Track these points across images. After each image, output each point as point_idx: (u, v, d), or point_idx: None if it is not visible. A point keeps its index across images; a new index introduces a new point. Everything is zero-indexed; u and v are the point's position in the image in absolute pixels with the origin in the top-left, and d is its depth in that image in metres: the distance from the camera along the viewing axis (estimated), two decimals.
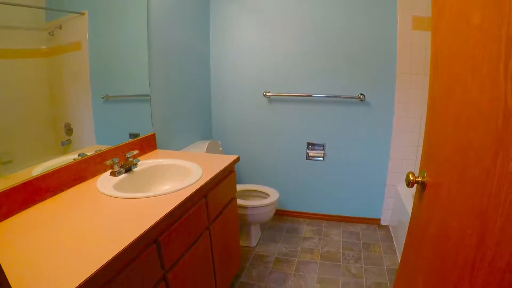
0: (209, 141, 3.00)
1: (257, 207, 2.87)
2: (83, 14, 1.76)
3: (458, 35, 0.96)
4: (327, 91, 3.27)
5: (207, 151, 2.86)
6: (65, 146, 1.70)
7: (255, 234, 3.15)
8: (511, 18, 0.66)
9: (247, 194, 3.28)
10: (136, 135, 2.24)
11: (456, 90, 0.97)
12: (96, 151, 1.85)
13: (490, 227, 0.72)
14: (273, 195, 3.05)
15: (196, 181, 1.75)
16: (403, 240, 2.40)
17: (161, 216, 1.35)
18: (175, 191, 1.63)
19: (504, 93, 0.68)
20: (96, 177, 1.82)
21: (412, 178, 1.24)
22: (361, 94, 3.19)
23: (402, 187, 3.24)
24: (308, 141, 3.48)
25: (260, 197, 3.20)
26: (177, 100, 2.82)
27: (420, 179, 1.24)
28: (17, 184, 1.38)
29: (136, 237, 1.18)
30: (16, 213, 1.36)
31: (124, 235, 1.19)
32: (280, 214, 3.73)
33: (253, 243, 3.12)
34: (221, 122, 3.64)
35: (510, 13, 0.66)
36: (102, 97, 1.97)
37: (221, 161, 2.13)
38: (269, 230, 3.41)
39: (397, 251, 2.99)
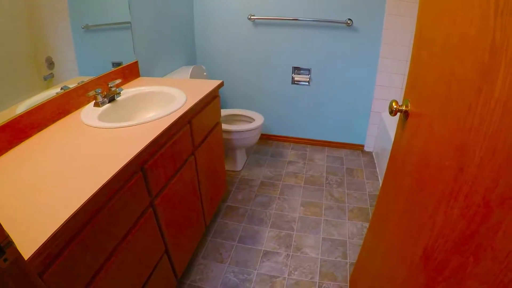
0: (193, 66, 2.92)
1: (242, 131, 2.90)
2: None
3: None
4: (314, 15, 3.14)
5: (191, 76, 2.80)
6: (48, 80, 1.64)
7: (241, 158, 3.20)
8: None
9: (232, 118, 3.28)
10: (119, 64, 2.17)
11: (444, 20, 0.94)
12: (78, 83, 1.80)
13: (469, 162, 0.74)
14: (258, 120, 3.06)
15: (180, 107, 1.74)
16: (385, 166, 2.48)
17: (146, 144, 1.36)
18: (159, 118, 1.62)
19: (493, 28, 0.66)
20: (80, 109, 1.78)
21: (395, 106, 1.25)
22: (349, 19, 3.08)
23: (386, 115, 3.28)
24: (293, 66, 3.41)
25: (245, 121, 3.21)
26: (159, 25, 2.69)
27: (404, 108, 1.24)
28: (2, 124, 1.35)
29: (123, 165, 1.19)
30: (3, 153, 1.35)
31: (111, 164, 1.20)
32: (265, 138, 3.78)
33: (239, 167, 3.19)
34: (206, 47, 3.52)
35: None
36: (82, 27, 1.86)
37: (205, 86, 2.09)
38: (254, 154, 3.47)
39: (379, 177, 3.10)
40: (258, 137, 3.08)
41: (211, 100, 2.12)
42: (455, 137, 0.81)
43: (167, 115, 1.65)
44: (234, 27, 3.36)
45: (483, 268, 0.68)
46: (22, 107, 1.48)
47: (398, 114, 1.28)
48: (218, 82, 2.19)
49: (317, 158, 3.43)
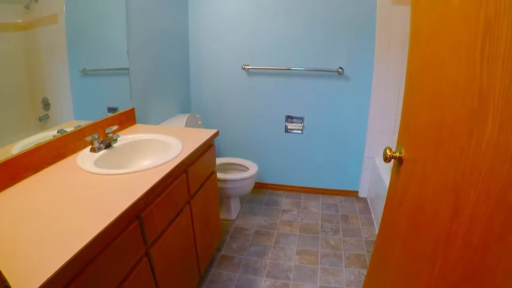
0: (188, 114, 2.98)
1: (236, 180, 2.90)
2: None
3: (438, 14, 0.97)
4: (306, 64, 3.26)
5: (187, 125, 2.84)
6: (43, 121, 1.66)
7: (235, 207, 3.19)
8: (489, 4, 0.67)
9: (227, 167, 3.29)
10: (115, 109, 2.21)
11: (433, 67, 0.99)
12: (75, 127, 1.82)
13: (463, 203, 0.75)
14: (253, 168, 3.07)
15: (177, 156, 1.76)
16: (381, 212, 2.46)
17: (142, 193, 1.36)
18: (156, 166, 1.62)
19: (480, 75, 0.70)
20: (76, 153, 1.79)
21: (389, 153, 1.27)
22: (340, 67, 3.20)
23: (380, 160, 3.31)
24: (287, 114, 3.49)
25: (240, 170, 3.23)
26: (155, 73, 2.77)
27: (397, 154, 1.27)
28: None
29: (119, 214, 1.19)
30: None
31: (107, 212, 1.19)
32: (259, 186, 3.78)
33: (233, 216, 3.16)
34: (200, 95, 3.60)
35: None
36: (80, 71, 1.92)
37: (201, 136, 2.12)
38: (249, 203, 3.45)
39: (374, 222, 3.08)
40: (252, 185, 3.08)
41: (207, 149, 2.15)
42: (449, 180, 0.83)
43: (164, 163, 1.66)
44: (229, 77, 3.46)
45: None
46: (17, 147, 1.49)
47: (392, 160, 1.31)
48: (213, 131, 2.23)
49: (312, 205, 3.42)
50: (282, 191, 3.73)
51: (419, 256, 1.01)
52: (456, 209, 0.79)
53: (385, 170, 3.05)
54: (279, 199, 3.54)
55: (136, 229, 1.35)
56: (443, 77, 0.91)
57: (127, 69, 2.31)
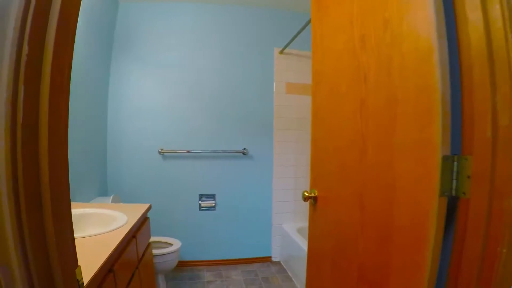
0: (113, 195, 3.13)
1: (164, 254, 3.05)
2: None
3: (332, 98, 1.49)
4: (215, 147, 3.75)
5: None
6: None
7: (163, 285, 3.28)
8: (362, 90, 1.17)
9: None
10: None
11: (334, 131, 1.48)
12: None
13: (364, 238, 1.18)
14: (176, 243, 3.26)
15: (125, 223, 1.92)
16: (296, 269, 2.89)
17: (115, 245, 1.52)
18: (109, 231, 1.76)
19: (361, 127, 1.18)
20: None
21: (306, 194, 1.69)
22: (244, 148, 3.73)
23: (287, 225, 3.78)
24: (200, 193, 3.82)
25: (164, 247, 3.37)
26: (74, 158, 2.91)
27: (312, 194, 1.69)
28: None
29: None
30: None
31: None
32: (180, 265, 3.89)
33: None
34: (118, 178, 3.75)
35: (361, 88, 1.18)
36: None
37: (137, 209, 2.31)
38: (173, 281, 3.55)
39: (293, 278, 3.45)
40: (177, 260, 3.24)
41: (144, 221, 2.35)
42: (354, 196, 1.27)
43: (120, 227, 1.82)
44: (145, 160, 3.73)
45: None
46: None
47: (309, 200, 1.73)
48: (147, 205, 2.44)
49: (233, 274, 3.65)
50: (202, 266, 3.89)
51: (344, 266, 1.40)
52: (358, 244, 1.21)
53: (293, 233, 3.52)
54: (201, 273, 3.71)
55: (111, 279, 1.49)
56: (340, 137, 1.40)
57: None
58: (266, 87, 3.86)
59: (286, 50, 3.89)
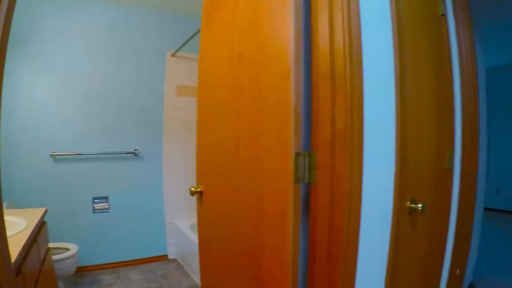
0: (6, 202, 3.00)
1: (61, 260, 2.99)
2: None
3: (215, 104, 1.72)
4: (107, 148, 3.76)
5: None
6: None
7: None
8: (238, 99, 1.42)
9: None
10: None
11: (214, 134, 1.72)
12: None
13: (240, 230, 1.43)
14: (73, 248, 3.21)
15: (26, 227, 1.86)
16: (192, 264, 3.10)
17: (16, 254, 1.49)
18: (11, 236, 1.70)
19: (237, 132, 1.43)
20: None
21: (193, 189, 1.89)
22: (135, 149, 3.83)
23: (180, 223, 3.98)
24: (93, 196, 3.79)
25: (60, 252, 3.28)
26: None
27: (198, 189, 1.90)
28: None
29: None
30: None
31: None
32: (80, 270, 3.76)
33: None
34: (8, 183, 3.51)
35: (237, 97, 1.43)
36: None
37: (34, 213, 2.24)
38: (74, 287, 3.50)
39: (190, 273, 3.64)
40: (76, 264, 3.21)
41: (42, 225, 2.27)
42: (232, 204, 1.52)
43: (17, 233, 1.76)
44: (37, 164, 3.55)
45: None
46: None
47: (196, 195, 1.94)
48: (43, 209, 2.36)
49: (132, 275, 3.68)
50: (102, 270, 3.86)
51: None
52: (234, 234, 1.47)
53: (187, 230, 3.73)
54: (101, 277, 3.66)
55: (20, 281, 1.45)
56: (219, 139, 1.64)
57: None
58: (157, 90, 3.97)
59: (178, 53, 4.04)
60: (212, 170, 1.75)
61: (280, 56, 1.25)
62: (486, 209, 7.37)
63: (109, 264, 3.95)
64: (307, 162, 1.20)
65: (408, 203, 1.43)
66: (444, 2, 1.84)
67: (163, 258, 4.09)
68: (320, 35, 1.22)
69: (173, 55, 4.07)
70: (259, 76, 1.36)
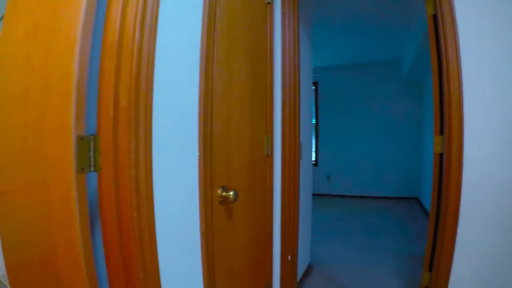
0: None
1: None
2: None
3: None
4: None
5: None
6: None
7: None
8: (30, 77, 1.17)
9: None
10: None
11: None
12: None
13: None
14: None
15: None
16: None
17: None
18: None
19: (25, 117, 1.18)
20: None
21: None
22: None
23: None
24: None
25: None
26: None
27: None
28: None
29: None
30: None
31: None
32: None
33: None
34: None
35: (29, 73, 1.18)
36: None
37: None
38: None
39: None
40: None
41: None
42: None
43: None
44: None
45: None
46: None
47: None
48: None
49: None
50: None
51: None
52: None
53: None
54: None
55: None
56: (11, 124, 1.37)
57: None
58: None
59: None
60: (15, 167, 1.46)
61: (70, 26, 1.06)
62: (320, 195, 8.22)
63: None
64: (93, 148, 1.02)
65: (220, 191, 1.34)
66: None
67: None
68: (113, 3, 1.06)
69: None
70: (49, 49, 1.14)
